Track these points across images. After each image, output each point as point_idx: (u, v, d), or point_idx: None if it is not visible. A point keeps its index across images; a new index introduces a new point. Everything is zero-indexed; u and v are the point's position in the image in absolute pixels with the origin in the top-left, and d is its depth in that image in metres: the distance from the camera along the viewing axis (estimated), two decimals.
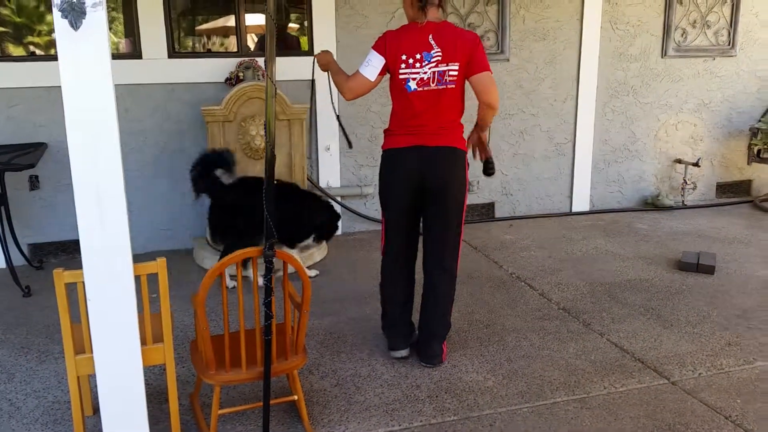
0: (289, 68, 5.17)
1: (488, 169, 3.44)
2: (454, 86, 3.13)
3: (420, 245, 3.43)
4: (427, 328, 3.39)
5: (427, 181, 3.18)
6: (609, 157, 6.17)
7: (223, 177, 4.19)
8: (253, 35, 5.28)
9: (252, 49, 5.21)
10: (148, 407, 2.44)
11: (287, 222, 3.87)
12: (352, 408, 2.98)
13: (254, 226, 3.40)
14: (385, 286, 3.47)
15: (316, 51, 5.12)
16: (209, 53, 5.21)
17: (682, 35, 6.11)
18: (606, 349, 3.53)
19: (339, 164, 5.47)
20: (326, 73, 3.44)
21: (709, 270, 4.54)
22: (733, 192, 6.59)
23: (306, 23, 5.22)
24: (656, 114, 6.19)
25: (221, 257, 4.26)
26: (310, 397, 3.05)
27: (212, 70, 5.01)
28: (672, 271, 4.63)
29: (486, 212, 5.98)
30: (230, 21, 5.16)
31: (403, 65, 3.12)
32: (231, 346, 2.62)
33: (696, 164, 6.20)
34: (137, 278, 2.35)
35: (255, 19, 5.20)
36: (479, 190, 5.90)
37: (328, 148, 5.41)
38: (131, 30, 4.87)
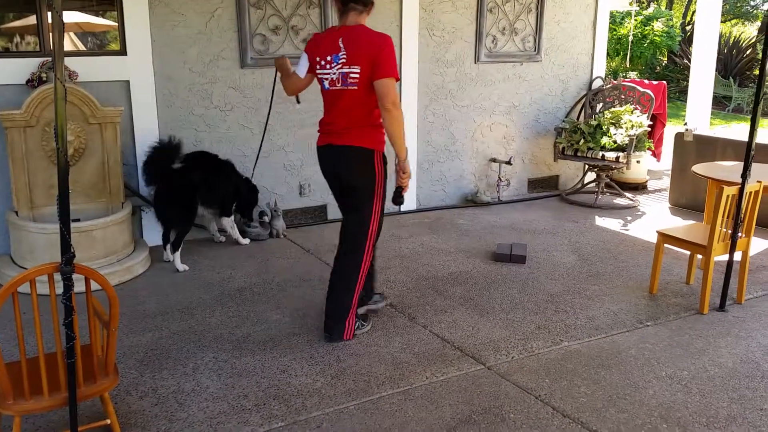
0: (100, 69, 4.88)
1: (395, 198, 3.52)
2: (356, 87, 3.29)
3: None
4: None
5: (338, 177, 3.50)
6: (432, 157, 6.45)
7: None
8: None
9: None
10: None
11: (224, 193, 4.97)
12: (173, 426, 2.84)
13: (211, 197, 4.86)
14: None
15: (131, 50, 4.92)
16: (7, 53, 4.74)
17: (493, 42, 6.53)
18: (429, 340, 3.68)
19: None
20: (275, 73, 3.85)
21: (521, 260, 4.90)
22: (543, 187, 7.16)
23: (117, 21, 4.92)
24: (472, 116, 6.57)
25: (178, 238, 4.74)
26: (127, 419, 2.87)
27: (11, 71, 4.57)
28: (488, 263, 4.93)
29: (318, 214, 6.01)
30: (31, 18, 4.73)
31: (318, 66, 3.39)
32: (30, 372, 2.39)
33: (509, 162, 6.67)
34: None
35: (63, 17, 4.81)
36: (311, 192, 5.91)
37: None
38: None
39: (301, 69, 3.48)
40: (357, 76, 3.27)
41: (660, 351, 3.58)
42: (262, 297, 4.28)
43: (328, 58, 3.33)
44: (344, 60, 3.28)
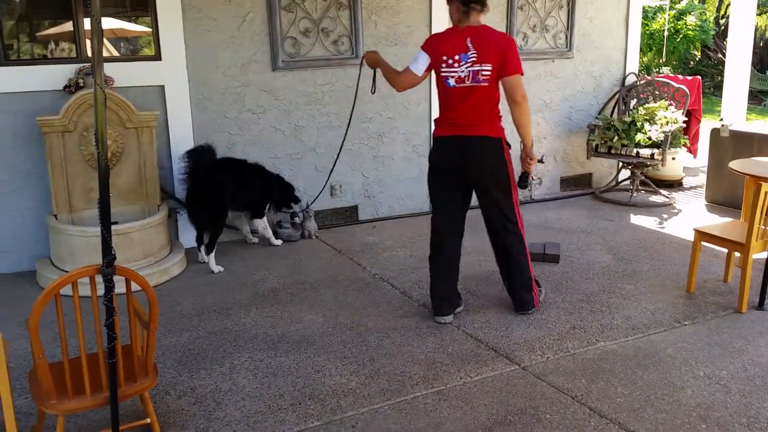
0: (135, 74, 4.97)
1: (521, 182, 3.88)
2: (487, 84, 3.58)
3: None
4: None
5: (466, 167, 3.68)
6: None
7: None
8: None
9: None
10: None
11: (253, 195, 5.09)
12: (212, 425, 2.89)
13: (240, 200, 5.03)
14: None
15: (165, 55, 4.99)
16: (45, 59, 4.85)
17: (524, 39, 6.48)
18: (462, 340, 3.67)
19: None
20: (373, 70, 4.07)
21: (555, 259, 4.85)
22: (576, 185, 7.08)
23: (152, 27, 5.00)
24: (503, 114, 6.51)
25: (212, 240, 4.81)
26: (166, 418, 2.93)
27: (50, 77, 4.68)
28: None
29: (349, 215, 6.03)
30: (68, 24, 4.84)
31: (443, 65, 3.60)
32: (73, 372, 2.45)
33: (541, 160, 6.47)
34: None
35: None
36: (342, 194, 5.94)
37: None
38: None
39: (420, 66, 3.66)
40: (489, 73, 3.55)
41: (698, 350, 3.52)
42: (296, 297, 4.32)
43: (456, 57, 3.57)
44: (474, 58, 3.55)
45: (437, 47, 3.64)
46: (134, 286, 2.41)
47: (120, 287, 2.34)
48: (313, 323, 3.92)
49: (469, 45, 3.56)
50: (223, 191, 4.85)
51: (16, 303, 4.15)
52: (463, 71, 3.57)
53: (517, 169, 3.85)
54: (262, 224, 5.26)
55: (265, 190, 5.20)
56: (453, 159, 3.71)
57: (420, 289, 4.41)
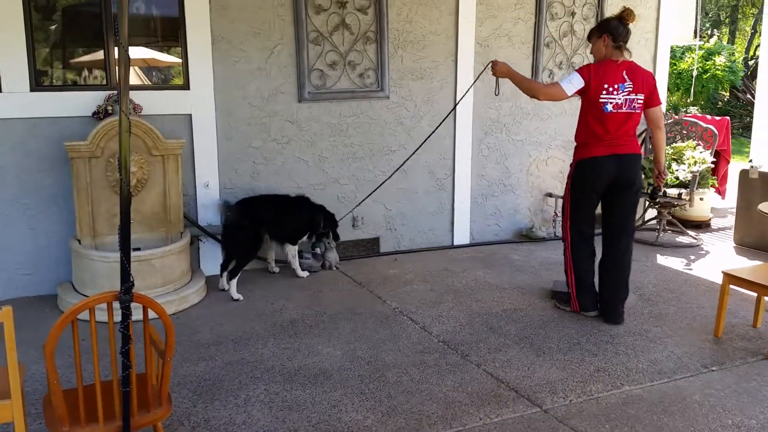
0: (164, 103, 5.04)
1: (652, 195, 4.81)
2: (638, 111, 4.20)
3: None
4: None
5: (621, 179, 4.22)
6: (486, 191, 6.39)
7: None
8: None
9: None
10: None
11: (296, 226, 5.18)
12: None
13: (280, 231, 5.15)
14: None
15: (194, 85, 5.05)
16: (76, 86, 4.95)
17: (550, 76, 6.47)
18: (482, 379, 3.58)
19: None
20: (497, 78, 4.53)
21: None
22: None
23: (181, 57, 5.08)
24: (528, 150, 6.50)
25: (236, 268, 4.87)
26: None
27: (79, 103, 4.76)
28: (544, 300, 4.81)
29: (371, 247, 6.00)
30: (99, 53, 4.94)
31: (604, 92, 4.10)
32: (86, 400, 2.42)
33: None
34: None
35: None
36: (364, 225, 5.92)
37: (207, 185, 5.25)
38: None
39: (572, 87, 4.13)
40: (642, 102, 4.17)
41: (726, 398, 3.40)
42: (314, 329, 4.27)
43: (615, 86, 4.10)
44: (630, 89, 4.11)
45: (600, 76, 4.11)
46: (151, 314, 2.39)
47: (138, 314, 2.33)
48: (330, 356, 3.87)
49: (626, 77, 4.11)
50: (262, 223, 4.96)
51: (36, 327, 4.16)
52: (620, 99, 4.10)
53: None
54: (292, 252, 5.26)
55: (309, 221, 5.27)
56: (610, 174, 4.21)
57: (440, 324, 4.34)
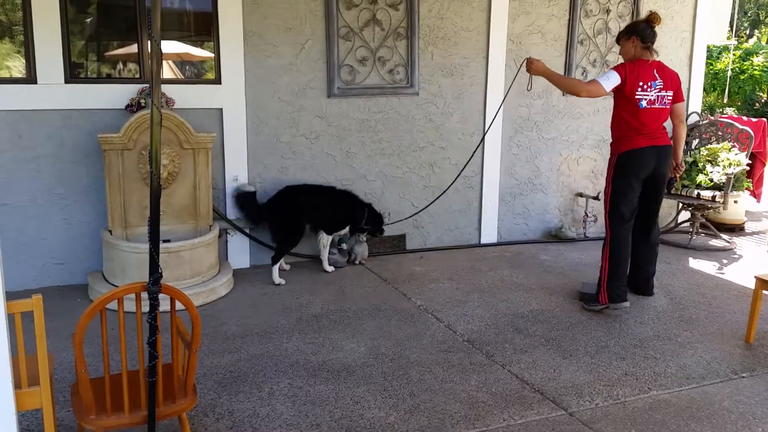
0: (196, 96, 5.08)
1: (668, 186, 5.32)
2: (668, 107, 4.52)
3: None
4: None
5: (658, 169, 4.53)
6: (515, 190, 6.33)
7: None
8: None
9: None
10: None
11: (326, 215, 5.25)
12: None
13: (320, 221, 5.26)
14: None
15: (225, 80, 5.09)
16: (109, 78, 5.02)
17: (583, 74, 6.38)
18: (507, 380, 3.55)
19: None
20: (532, 75, 4.75)
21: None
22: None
23: (214, 52, 5.12)
24: (559, 149, 6.42)
25: (278, 254, 5.10)
26: None
27: (112, 96, 4.82)
28: (572, 302, 4.75)
29: (397, 244, 5.99)
30: (133, 46, 5.01)
31: (639, 89, 4.38)
32: (113, 389, 2.46)
33: (596, 198, 6.45)
34: (11, 317, 2.18)
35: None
36: (391, 221, 5.91)
37: (236, 179, 5.29)
38: (26, 54, 4.63)
39: (610, 84, 4.35)
40: (671, 98, 4.50)
41: (756, 405, 3.32)
42: (339, 325, 4.28)
43: (649, 84, 4.39)
44: (661, 86, 4.42)
45: (635, 74, 4.36)
46: (178, 305, 2.41)
47: (165, 305, 2.35)
48: (354, 352, 3.87)
49: (656, 75, 4.42)
50: (301, 212, 5.14)
51: (66, 316, 4.23)
52: (653, 95, 4.40)
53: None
54: (325, 241, 5.31)
55: (349, 215, 5.38)
56: (650, 163, 4.49)
57: (465, 323, 4.32)
